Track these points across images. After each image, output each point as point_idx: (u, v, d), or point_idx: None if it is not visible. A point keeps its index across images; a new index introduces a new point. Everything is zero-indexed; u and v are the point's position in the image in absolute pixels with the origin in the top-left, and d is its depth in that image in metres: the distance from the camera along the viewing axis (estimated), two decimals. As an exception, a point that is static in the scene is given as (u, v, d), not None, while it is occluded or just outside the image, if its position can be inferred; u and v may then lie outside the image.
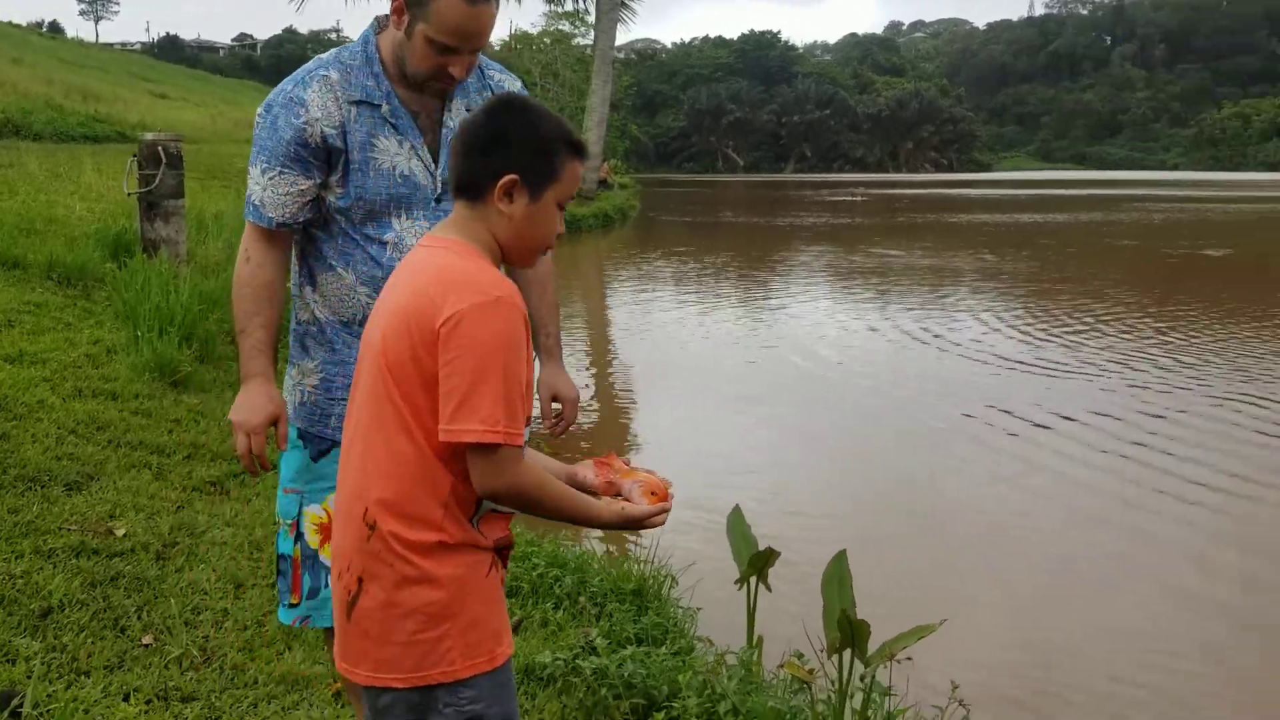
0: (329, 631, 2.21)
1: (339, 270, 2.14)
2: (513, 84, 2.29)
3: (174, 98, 36.26)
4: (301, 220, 2.12)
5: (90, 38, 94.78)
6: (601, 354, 11.72)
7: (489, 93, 2.24)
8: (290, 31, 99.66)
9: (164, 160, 7.40)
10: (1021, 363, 9.85)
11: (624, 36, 51.93)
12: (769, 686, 3.06)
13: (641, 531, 2.67)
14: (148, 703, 2.71)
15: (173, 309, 6.13)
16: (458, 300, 1.53)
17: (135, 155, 7.59)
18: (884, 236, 26.53)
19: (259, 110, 2.14)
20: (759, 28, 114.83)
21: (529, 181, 1.64)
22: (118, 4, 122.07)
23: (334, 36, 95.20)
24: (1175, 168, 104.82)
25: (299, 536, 2.16)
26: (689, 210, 40.54)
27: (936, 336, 11.36)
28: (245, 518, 4.19)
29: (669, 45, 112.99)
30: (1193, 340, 11.05)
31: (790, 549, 3.90)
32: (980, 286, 16.19)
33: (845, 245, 23.64)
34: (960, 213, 37.19)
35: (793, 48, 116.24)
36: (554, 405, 2.41)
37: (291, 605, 2.20)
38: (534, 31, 48.91)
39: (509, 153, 1.63)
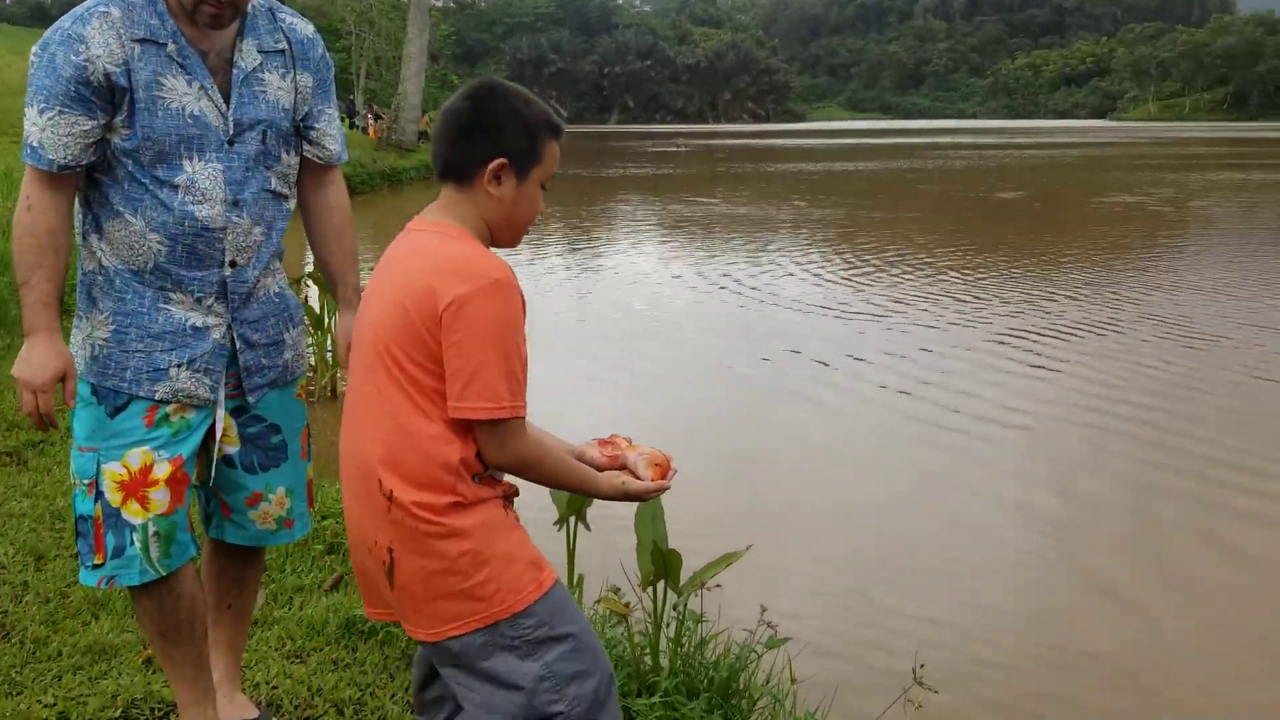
0: (138, 590, 2.17)
1: (126, 216, 2.07)
2: (305, 28, 2.25)
3: (-48, 47, 33.12)
4: (85, 162, 2.03)
5: None
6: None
7: (281, 35, 2.20)
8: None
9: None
10: (822, 307, 10.32)
11: (439, -17, 50.44)
12: (589, 622, 3.17)
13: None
14: (-60, 683, 2.59)
15: (-49, 272, 5.71)
16: (459, 285, 1.60)
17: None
18: (706, 186, 27.02)
19: (34, 49, 2.03)
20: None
21: (516, 164, 1.72)
22: None
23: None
24: (974, 116, 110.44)
25: (99, 495, 2.10)
26: (512, 162, 40.08)
27: (739, 283, 11.74)
28: (45, 488, 4.00)
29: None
30: (981, 281, 11.81)
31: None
32: (790, 234, 16.77)
33: (667, 195, 23.94)
34: (777, 162, 38.22)
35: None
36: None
37: (95, 566, 2.13)
38: (346, -23, 46.96)
39: (497, 137, 1.70)
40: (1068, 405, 6.93)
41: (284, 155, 2.21)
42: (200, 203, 2.07)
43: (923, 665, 2.94)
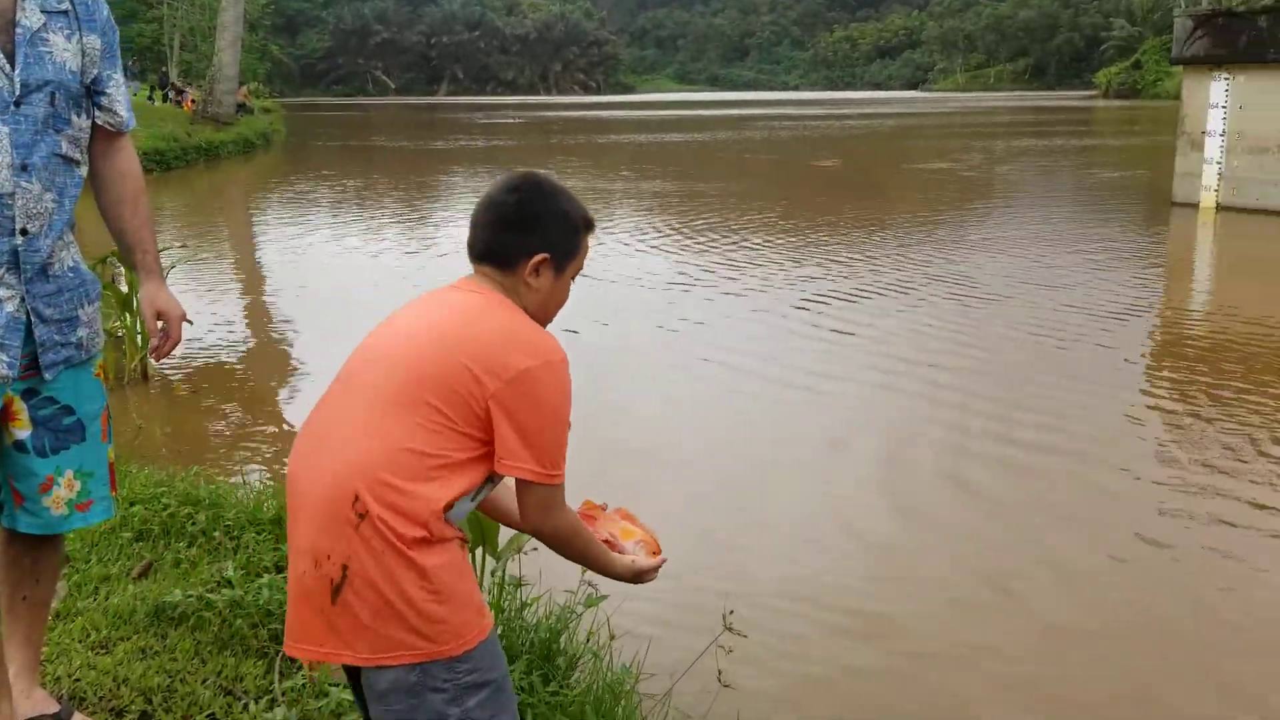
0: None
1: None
2: None
3: None
4: None
5: None
6: (255, 284, 11.23)
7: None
8: None
9: None
10: (635, 279, 10.58)
11: (251, -51, 48.25)
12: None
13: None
14: None
15: None
16: (527, 357, 1.71)
17: None
18: (540, 158, 26.92)
19: None
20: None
21: (556, 260, 1.82)
22: None
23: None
24: (796, 88, 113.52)
25: None
26: (339, 134, 38.96)
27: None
28: None
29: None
30: (793, 246, 12.29)
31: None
32: (619, 205, 16.94)
33: (501, 167, 23.76)
34: (610, 133, 38.37)
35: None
36: (158, 324, 2.36)
37: None
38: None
39: (542, 234, 1.81)
40: (853, 365, 7.47)
41: (74, 118, 2.14)
42: None
43: (732, 611, 3.09)
